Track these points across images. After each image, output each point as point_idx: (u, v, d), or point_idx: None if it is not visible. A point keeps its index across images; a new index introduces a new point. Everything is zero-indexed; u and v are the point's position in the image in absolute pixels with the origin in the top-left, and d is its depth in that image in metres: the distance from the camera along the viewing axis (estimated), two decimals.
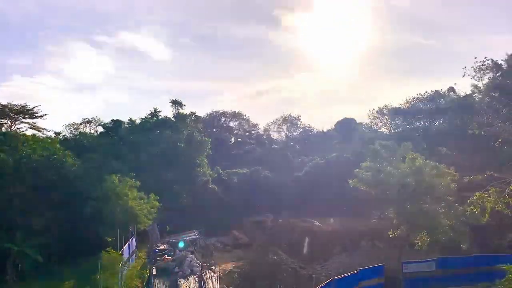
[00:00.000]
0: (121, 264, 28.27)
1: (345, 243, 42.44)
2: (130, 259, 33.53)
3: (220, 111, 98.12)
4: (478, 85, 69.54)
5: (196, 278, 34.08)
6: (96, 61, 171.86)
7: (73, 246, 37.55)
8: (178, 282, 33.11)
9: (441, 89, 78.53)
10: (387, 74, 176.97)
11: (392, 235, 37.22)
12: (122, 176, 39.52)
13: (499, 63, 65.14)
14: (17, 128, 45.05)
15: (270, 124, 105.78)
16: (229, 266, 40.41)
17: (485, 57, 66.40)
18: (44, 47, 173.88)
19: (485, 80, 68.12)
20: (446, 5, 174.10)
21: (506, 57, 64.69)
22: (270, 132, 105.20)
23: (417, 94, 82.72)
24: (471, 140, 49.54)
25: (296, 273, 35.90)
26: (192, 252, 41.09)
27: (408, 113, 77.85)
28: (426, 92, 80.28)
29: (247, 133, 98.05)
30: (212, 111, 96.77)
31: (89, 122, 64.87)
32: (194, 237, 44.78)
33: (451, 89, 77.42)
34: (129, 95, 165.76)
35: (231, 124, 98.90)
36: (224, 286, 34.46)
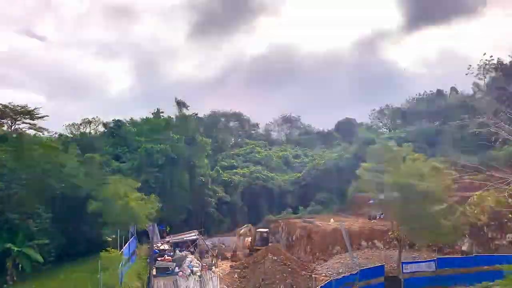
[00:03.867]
0: (121, 264, 28.26)
1: (345, 243, 42.38)
2: (130, 259, 33.51)
3: (220, 111, 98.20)
4: (480, 84, 69.54)
5: (196, 278, 34.12)
6: None
7: (73, 246, 37.60)
8: (178, 282, 33.15)
9: (441, 89, 78.72)
10: None
11: (392, 235, 37.25)
12: (123, 177, 39.53)
13: (503, 62, 65.06)
14: (17, 129, 44.99)
15: (270, 124, 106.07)
16: (229, 266, 40.48)
17: (491, 56, 66.22)
18: None
19: (488, 79, 68.13)
20: None
21: (510, 58, 64.70)
22: (270, 132, 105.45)
23: (416, 94, 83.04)
24: (471, 140, 49.56)
25: (296, 273, 35.87)
26: (192, 252, 41.14)
27: (409, 113, 77.93)
28: (426, 92, 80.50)
29: (247, 134, 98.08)
30: (212, 111, 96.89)
31: (89, 122, 64.74)
32: (194, 237, 44.81)
33: (452, 89, 77.56)
34: None
35: (231, 124, 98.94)
36: (224, 286, 34.51)
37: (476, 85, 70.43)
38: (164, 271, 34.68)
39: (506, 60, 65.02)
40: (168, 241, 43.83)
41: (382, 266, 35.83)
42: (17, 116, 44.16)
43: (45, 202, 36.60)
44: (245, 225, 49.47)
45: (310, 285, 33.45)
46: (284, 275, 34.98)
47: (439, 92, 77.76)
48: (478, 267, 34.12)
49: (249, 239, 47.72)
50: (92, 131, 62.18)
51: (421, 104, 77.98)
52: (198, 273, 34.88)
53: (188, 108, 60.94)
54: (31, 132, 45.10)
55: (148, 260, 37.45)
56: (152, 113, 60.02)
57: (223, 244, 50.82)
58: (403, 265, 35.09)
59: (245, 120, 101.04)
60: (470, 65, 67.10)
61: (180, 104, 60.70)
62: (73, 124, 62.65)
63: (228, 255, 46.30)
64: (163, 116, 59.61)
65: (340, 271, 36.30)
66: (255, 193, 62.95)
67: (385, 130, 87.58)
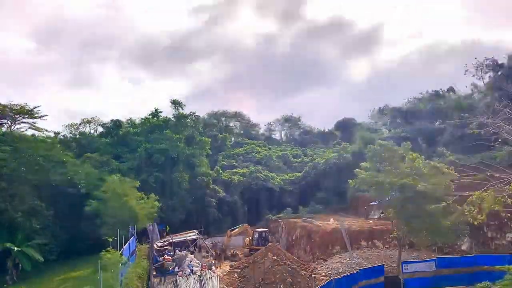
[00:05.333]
0: (121, 264, 28.23)
1: (345, 243, 42.40)
2: (130, 259, 33.49)
3: (220, 111, 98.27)
4: (478, 85, 69.74)
5: (196, 278, 34.11)
6: None
7: (73, 246, 37.67)
8: (178, 282, 33.14)
9: (441, 89, 78.71)
10: None
11: (392, 235, 37.23)
12: (122, 176, 39.56)
13: (501, 62, 65.28)
14: (17, 128, 44.99)
15: (270, 124, 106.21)
16: (228, 266, 40.47)
17: (485, 57, 66.64)
18: None
19: (486, 79, 68.34)
20: None
21: (507, 56, 64.81)
22: (270, 132, 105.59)
23: (421, 93, 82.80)
24: (471, 140, 49.55)
25: (296, 273, 35.85)
26: (192, 252, 41.13)
27: (408, 113, 77.90)
28: (426, 92, 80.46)
29: (247, 133, 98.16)
30: (213, 111, 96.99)
31: (89, 122, 64.81)
32: (194, 237, 44.80)
33: (451, 89, 77.56)
34: None
35: (232, 124, 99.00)
36: (224, 286, 34.48)
37: (474, 85, 70.62)
38: (164, 271, 34.68)
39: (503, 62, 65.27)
40: (167, 241, 43.82)
41: (382, 266, 35.83)
42: (17, 116, 44.13)
43: (46, 201, 36.67)
44: (240, 225, 49.39)
45: (310, 285, 33.42)
46: (284, 275, 34.92)
47: (437, 93, 77.82)
48: (478, 267, 34.12)
49: (248, 238, 47.74)
50: (91, 131, 62.30)
51: (421, 104, 77.97)
52: (198, 273, 34.88)
53: (184, 107, 60.97)
54: (31, 131, 45.11)
55: (148, 260, 37.46)
56: (149, 114, 60.10)
57: (222, 244, 50.78)
58: (403, 265, 35.07)
59: (245, 120, 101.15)
60: (466, 65, 67.73)
61: (176, 104, 60.74)
62: (72, 124, 62.79)
63: (229, 254, 46.35)
64: (161, 116, 59.68)
65: (340, 271, 36.29)
66: (255, 193, 62.96)
67: (385, 129, 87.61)
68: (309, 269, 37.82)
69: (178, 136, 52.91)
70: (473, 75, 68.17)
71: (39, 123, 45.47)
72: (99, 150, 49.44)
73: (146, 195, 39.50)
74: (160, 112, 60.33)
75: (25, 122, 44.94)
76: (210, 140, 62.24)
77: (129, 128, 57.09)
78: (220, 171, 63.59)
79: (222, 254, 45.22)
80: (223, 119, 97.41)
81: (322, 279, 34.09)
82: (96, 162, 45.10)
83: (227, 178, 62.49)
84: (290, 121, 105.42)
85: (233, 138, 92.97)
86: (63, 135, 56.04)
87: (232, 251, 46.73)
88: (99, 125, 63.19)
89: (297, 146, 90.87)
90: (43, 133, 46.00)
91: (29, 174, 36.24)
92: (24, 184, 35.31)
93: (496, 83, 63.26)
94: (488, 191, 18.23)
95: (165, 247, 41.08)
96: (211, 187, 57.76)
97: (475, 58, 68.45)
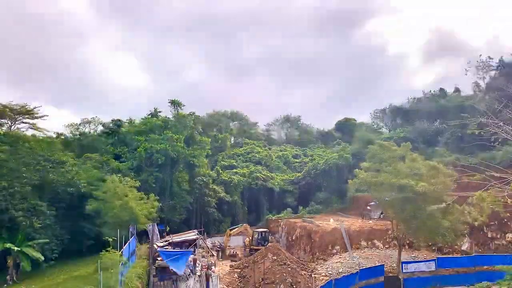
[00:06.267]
0: (121, 264, 28.24)
1: (345, 243, 42.41)
2: (130, 259, 33.50)
3: (220, 111, 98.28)
4: (480, 84, 69.75)
5: (196, 278, 34.14)
6: None
7: (74, 246, 37.67)
8: (178, 282, 33.17)
9: (442, 89, 78.72)
10: None
11: (392, 235, 37.26)
12: (122, 176, 39.58)
13: (504, 62, 65.32)
14: (17, 128, 45.01)
15: (270, 124, 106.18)
16: (228, 266, 40.50)
17: (489, 56, 66.74)
18: None
19: (487, 79, 68.37)
20: None
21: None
22: (270, 132, 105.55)
23: (422, 93, 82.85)
24: (471, 140, 49.58)
25: (296, 273, 35.88)
26: (192, 252, 41.14)
27: (409, 113, 77.96)
28: (427, 92, 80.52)
29: (247, 133, 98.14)
30: (212, 111, 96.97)
31: (89, 122, 64.84)
32: (194, 237, 44.85)
33: (455, 89, 77.59)
34: None
35: (231, 124, 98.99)
36: (224, 286, 34.51)
37: (476, 84, 70.60)
38: (164, 271, 34.68)
39: (506, 59, 65.31)
40: (167, 241, 43.86)
41: (382, 266, 35.87)
42: (17, 116, 44.19)
43: (47, 201, 36.69)
44: (239, 225, 49.48)
45: (310, 285, 33.45)
46: (284, 274, 34.96)
47: (442, 91, 77.80)
48: (478, 267, 34.19)
49: (248, 238, 47.81)
50: (91, 131, 62.31)
51: (422, 104, 77.99)
52: (198, 273, 34.91)
53: (183, 107, 61.04)
54: (31, 131, 45.16)
55: (148, 260, 37.46)
56: (149, 114, 60.12)
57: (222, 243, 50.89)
58: (403, 264, 35.12)
59: (245, 119, 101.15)
60: (470, 62, 67.82)
61: (175, 104, 60.76)
62: (72, 124, 62.83)
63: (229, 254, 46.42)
64: (160, 115, 59.73)
65: (340, 271, 36.32)
66: (255, 193, 63.03)
67: (385, 129, 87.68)
68: (309, 269, 37.87)
69: (178, 136, 52.94)
70: (476, 74, 68.17)
71: (40, 123, 45.61)
72: (99, 150, 49.46)
73: (146, 195, 39.50)
74: (160, 112, 60.46)
75: (25, 122, 45.02)
76: (210, 140, 62.28)
77: (129, 128, 57.12)
78: (220, 171, 63.61)
79: (220, 252, 45.41)
80: (223, 119, 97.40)
81: (322, 279, 34.14)
82: (96, 162, 45.11)
83: (227, 178, 62.51)
84: (289, 121, 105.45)
85: (233, 138, 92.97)
86: (63, 135, 56.06)
87: (232, 251, 46.79)
88: (100, 124, 63.28)
89: (297, 146, 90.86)
90: (43, 133, 46.08)
91: (29, 174, 36.24)
92: (25, 184, 35.28)
93: (497, 82, 63.25)
94: (488, 191, 18.23)
95: (165, 247, 41.09)
96: (211, 187, 57.77)
97: (480, 55, 68.47)
